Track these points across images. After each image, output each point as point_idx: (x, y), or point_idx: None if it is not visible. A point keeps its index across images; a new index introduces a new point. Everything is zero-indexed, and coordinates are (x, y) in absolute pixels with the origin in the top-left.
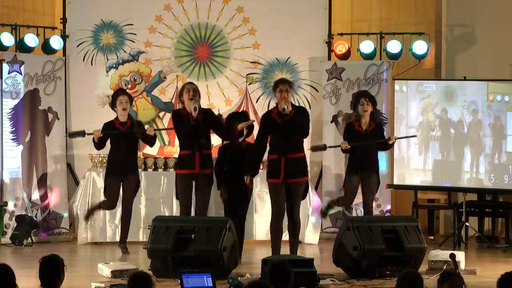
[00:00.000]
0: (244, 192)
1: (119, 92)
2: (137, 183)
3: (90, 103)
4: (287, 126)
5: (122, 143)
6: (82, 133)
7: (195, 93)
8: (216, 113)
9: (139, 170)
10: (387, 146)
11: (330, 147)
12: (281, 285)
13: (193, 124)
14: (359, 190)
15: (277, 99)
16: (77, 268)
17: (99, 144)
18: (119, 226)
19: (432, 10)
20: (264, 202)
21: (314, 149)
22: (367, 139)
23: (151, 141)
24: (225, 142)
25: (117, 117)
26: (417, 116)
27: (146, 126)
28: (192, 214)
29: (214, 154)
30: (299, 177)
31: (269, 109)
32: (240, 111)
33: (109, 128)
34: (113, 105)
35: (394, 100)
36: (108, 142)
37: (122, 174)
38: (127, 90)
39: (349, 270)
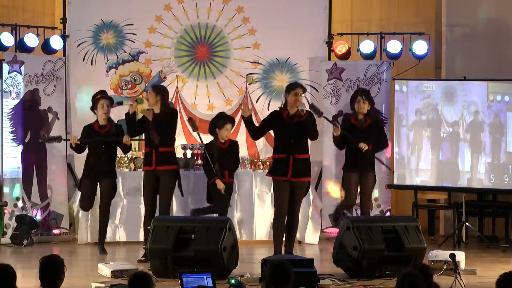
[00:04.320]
0: (230, 186)
1: (100, 95)
2: (114, 187)
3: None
4: (296, 127)
5: (101, 148)
6: (58, 139)
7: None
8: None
9: (139, 169)
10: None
11: (326, 118)
12: (281, 285)
13: (149, 126)
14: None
15: (289, 101)
16: (77, 268)
17: (77, 149)
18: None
19: (432, 10)
20: (264, 202)
21: (312, 106)
22: (362, 134)
23: (125, 149)
24: (209, 141)
25: (97, 120)
26: (417, 116)
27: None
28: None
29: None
30: (304, 176)
31: (276, 109)
32: (219, 113)
33: (89, 131)
34: (93, 107)
35: (394, 100)
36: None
37: (98, 178)
38: (127, 90)
39: (349, 270)
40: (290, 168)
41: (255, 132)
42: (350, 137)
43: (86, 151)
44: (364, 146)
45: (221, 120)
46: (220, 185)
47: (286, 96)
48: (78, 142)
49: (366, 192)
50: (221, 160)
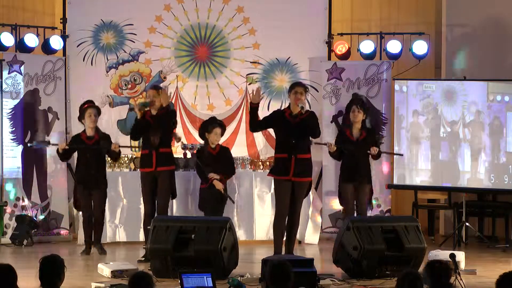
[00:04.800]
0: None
1: (88, 104)
2: (104, 196)
3: None
4: (299, 127)
5: (89, 157)
6: (46, 143)
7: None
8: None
9: (139, 169)
10: (376, 156)
11: (316, 143)
12: (281, 285)
13: (150, 125)
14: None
15: (291, 100)
16: (77, 268)
17: (63, 156)
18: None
19: (432, 10)
20: (264, 202)
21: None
22: (358, 147)
23: (115, 156)
24: (200, 146)
25: (84, 130)
26: (417, 116)
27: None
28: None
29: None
30: (305, 176)
31: (280, 108)
32: (209, 118)
33: (76, 142)
34: (80, 117)
35: (394, 100)
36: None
37: (89, 188)
38: (127, 90)
39: (349, 270)
40: (291, 167)
41: (254, 124)
42: (352, 149)
43: (75, 160)
44: (375, 150)
45: (210, 124)
46: (219, 185)
47: (288, 96)
48: (67, 147)
49: (362, 205)
50: (211, 165)
